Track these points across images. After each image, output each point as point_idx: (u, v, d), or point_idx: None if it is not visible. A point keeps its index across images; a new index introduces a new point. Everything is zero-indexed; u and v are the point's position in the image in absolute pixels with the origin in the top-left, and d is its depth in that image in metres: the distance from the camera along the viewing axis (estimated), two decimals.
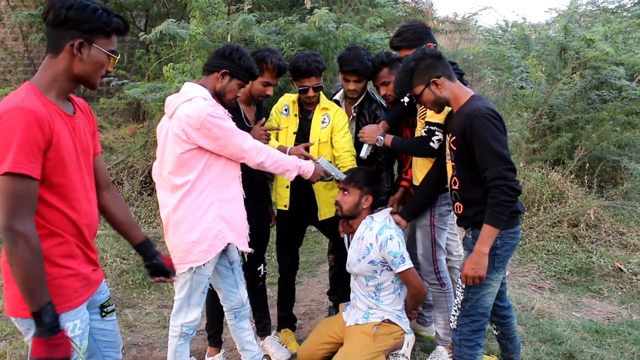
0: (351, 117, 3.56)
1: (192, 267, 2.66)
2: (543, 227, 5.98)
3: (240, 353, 3.17)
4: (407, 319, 3.29)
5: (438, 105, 2.74)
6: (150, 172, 6.98)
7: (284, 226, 3.63)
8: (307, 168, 2.96)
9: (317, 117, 3.41)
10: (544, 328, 3.86)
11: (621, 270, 5.20)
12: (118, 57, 1.94)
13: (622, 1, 12.56)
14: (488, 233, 2.48)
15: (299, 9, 6.50)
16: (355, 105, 3.52)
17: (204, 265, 2.67)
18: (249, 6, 5.71)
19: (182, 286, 2.73)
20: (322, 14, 5.35)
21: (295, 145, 3.32)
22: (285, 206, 3.46)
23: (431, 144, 3.04)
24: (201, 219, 2.64)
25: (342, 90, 3.60)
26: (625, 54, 6.61)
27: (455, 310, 2.73)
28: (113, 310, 2.21)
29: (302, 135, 3.42)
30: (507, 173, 2.42)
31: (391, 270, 3.14)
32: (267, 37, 5.62)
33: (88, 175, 1.99)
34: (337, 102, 3.60)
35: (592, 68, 6.51)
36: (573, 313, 4.38)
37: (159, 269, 2.41)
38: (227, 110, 2.68)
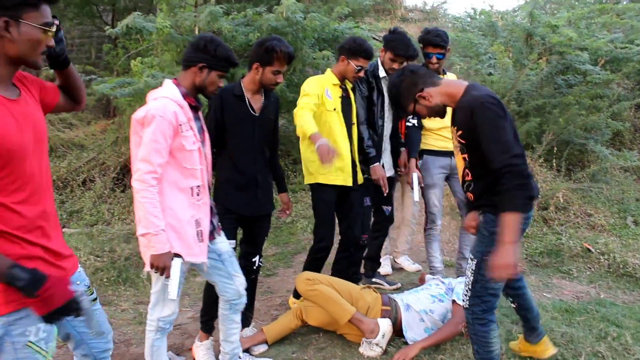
0: None
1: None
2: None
3: (221, 343, 3.13)
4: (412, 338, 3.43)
5: (435, 113, 2.77)
6: (122, 169, 6.92)
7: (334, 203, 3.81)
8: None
9: (351, 93, 3.90)
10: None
11: (589, 250, 5.33)
12: (55, 29, 1.73)
13: None
14: (508, 222, 2.36)
15: (267, 0, 6.47)
16: None
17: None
18: None
19: (157, 279, 2.70)
20: (289, 4, 5.34)
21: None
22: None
23: None
24: None
25: (381, 68, 4.05)
26: (589, 39, 6.74)
27: (467, 290, 2.73)
28: (95, 299, 2.12)
29: (347, 113, 3.80)
30: (513, 160, 2.38)
31: (446, 301, 3.50)
32: (235, 28, 5.59)
33: (45, 163, 1.84)
34: (382, 78, 4.06)
35: (557, 53, 6.62)
36: (544, 294, 4.48)
37: None
38: (191, 115, 2.60)
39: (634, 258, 5.08)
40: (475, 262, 2.66)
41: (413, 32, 13.22)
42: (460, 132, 2.63)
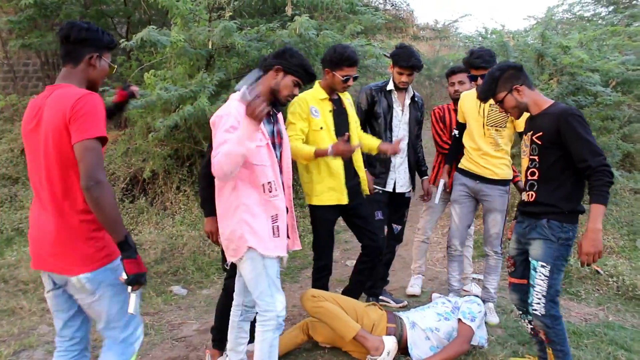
0: (403, 105, 4.22)
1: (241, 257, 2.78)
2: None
3: (229, 353, 3.14)
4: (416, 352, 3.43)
5: (518, 110, 3.10)
6: (131, 180, 6.96)
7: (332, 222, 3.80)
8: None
9: (346, 103, 3.81)
10: (524, 330, 3.90)
11: (598, 272, 5.30)
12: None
13: (598, 9, 12.84)
14: (599, 211, 2.78)
15: (280, 16, 6.52)
16: (411, 95, 4.23)
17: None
18: (230, 13, 5.73)
19: (251, 280, 2.81)
20: (303, 21, 5.38)
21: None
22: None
23: None
24: (229, 220, 2.78)
25: (390, 82, 4.16)
26: (600, 60, 6.74)
27: (541, 297, 3.00)
28: None
29: (341, 124, 3.69)
30: (606, 161, 2.81)
31: (452, 320, 3.52)
32: (248, 44, 5.64)
33: None
34: (389, 91, 4.17)
35: (568, 74, 6.61)
36: None
37: None
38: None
39: None
40: (548, 269, 2.97)
41: (424, 50, 13.34)
42: (539, 134, 2.98)
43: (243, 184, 2.74)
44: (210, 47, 5.61)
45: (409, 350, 3.42)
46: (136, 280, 2.25)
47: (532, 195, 3.07)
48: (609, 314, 4.60)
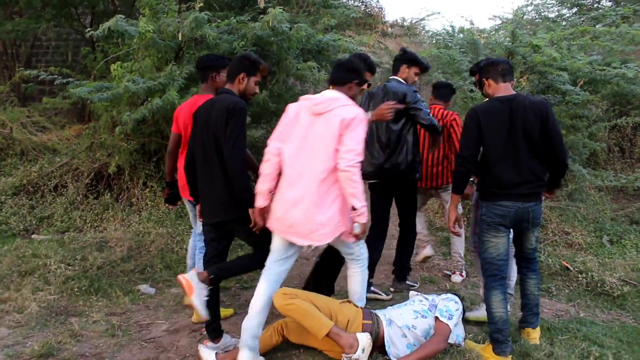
0: None
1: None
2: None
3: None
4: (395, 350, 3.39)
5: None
6: (96, 175, 6.75)
7: None
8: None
9: None
10: None
11: (568, 269, 5.36)
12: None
13: (562, 11, 13.11)
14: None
15: (252, 9, 6.40)
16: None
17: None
18: (201, 4, 5.58)
19: (346, 247, 3.47)
20: (276, 13, 5.27)
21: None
22: None
23: None
24: (330, 206, 3.18)
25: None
26: (569, 60, 6.83)
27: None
28: None
29: None
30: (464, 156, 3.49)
31: (429, 317, 3.50)
32: (219, 36, 5.50)
33: None
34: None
35: (538, 73, 6.68)
36: None
37: None
38: None
39: (610, 277, 5.12)
40: None
41: (392, 47, 13.36)
42: None
43: None
44: (179, 39, 5.45)
45: (386, 348, 3.37)
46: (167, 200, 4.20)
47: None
48: (579, 310, 4.65)
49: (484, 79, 3.61)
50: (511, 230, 3.53)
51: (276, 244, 3.36)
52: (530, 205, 3.44)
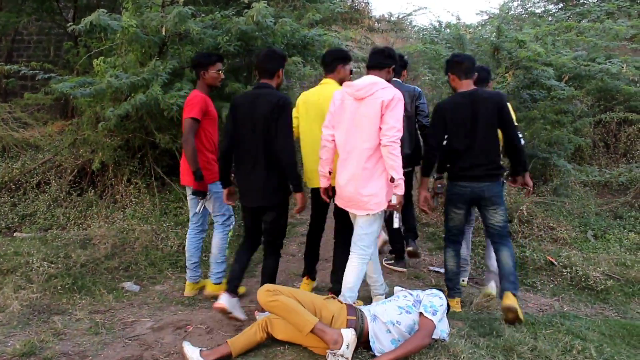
0: None
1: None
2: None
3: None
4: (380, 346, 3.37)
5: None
6: (79, 172, 6.67)
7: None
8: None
9: None
10: (484, 322, 3.91)
11: (552, 263, 5.39)
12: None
13: (548, 6, 13.20)
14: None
15: (236, 3, 6.34)
16: None
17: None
18: None
19: (375, 225, 3.77)
20: (260, 7, 5.22)
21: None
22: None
23: None
24: (378, 178, 3.58)
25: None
26: (554, 55, 6.86)
27: None
28: None
29: None
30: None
31: (413, 313, 3.44)
32: (203, 31, 5.45)
33: None
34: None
35: (523, 68, 6.71)
36: None
37: None
38: None
39: (594, 271, 5.17)
40: None
41: (379, 42, 13.36)
42: None
43: None
44: (163, 33, 5.38)
45: (371, 344, 3.36)
46: (196, 193, 4.22)
47: None
48: (563, 304, 4.69)
49: (449, 73, 4.15)
50: (470, 207, 4.29)
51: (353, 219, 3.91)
52: (485, 185, 4.01)
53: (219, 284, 4.50)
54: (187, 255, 4.63)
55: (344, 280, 3.78)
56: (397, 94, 3.58)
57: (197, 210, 4.46)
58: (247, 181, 3.88)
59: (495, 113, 3.95)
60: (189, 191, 4.47)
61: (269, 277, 4.02)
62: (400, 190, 3.52)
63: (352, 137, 3.65)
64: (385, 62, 3.82)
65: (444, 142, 4.16)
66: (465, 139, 3.99)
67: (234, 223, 4.52)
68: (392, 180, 3.50)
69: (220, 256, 4.49)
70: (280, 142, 3.69)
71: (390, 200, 3.57)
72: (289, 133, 3.75)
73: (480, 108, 3.95)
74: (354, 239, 3.81)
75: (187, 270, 4.66)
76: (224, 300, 3.79)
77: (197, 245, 4.62)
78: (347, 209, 3.81)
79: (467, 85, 4.06)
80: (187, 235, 4.63)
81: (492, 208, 4.05)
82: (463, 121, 3.99)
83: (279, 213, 3.92)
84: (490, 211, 4.07)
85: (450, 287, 4.32)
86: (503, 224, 4.07)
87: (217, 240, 4.47)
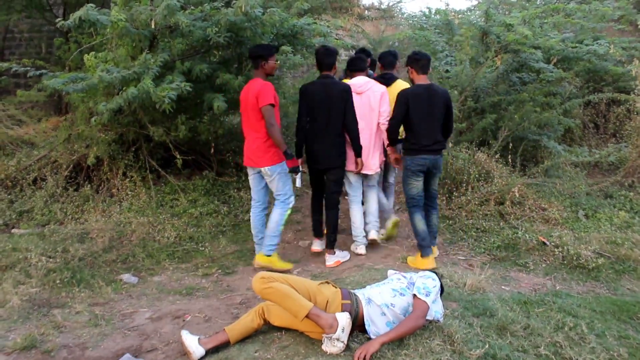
0: None
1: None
2: (471, 206, 6.20)
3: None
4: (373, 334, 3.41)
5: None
6: (75, 167, 6.71)
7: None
8: None
9: None
10: (477, 303, 3.98)
11: (544, 243, 5.46)
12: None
13: None
14: None
15: None
16: None
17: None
18: None
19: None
20: None
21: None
22: None
23: None
24: (379, 148, 5.40)
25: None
26: (542, 38, 6.90)
27: None
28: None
29: None
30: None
31: (407, 295, 3.49)
32: (192, 23, 5.46)
33: None
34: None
35: (512, 51, 6.75)
36: (503, 287, 4.56)
37: None
38: None
39: (586, 250, 5.23)
40: None
41: (370, 30, 13.35)
42: None
43: None
44: (153, 27, 5.40)
45: (366, 327, 3.43)
46: (293, 170, 4.85)
47: None
48: (556, 283, 4.76)
49: (409, 66, 4.96)
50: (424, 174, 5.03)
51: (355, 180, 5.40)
52: (438, 157, 4.99)
53: (270, 255, 4.93)
54: (254, 232, 5.13)
55: (352, 224, 5.41)
56: (384, 88, 5.26)
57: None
58: (319, 149, 5.06)
59: (443, 104, 4.91)
60: (250, 172, 5.01)
61: (333, 227, 5.23)
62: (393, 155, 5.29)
63: (363, 121, 5.16)
64: (364, 65, 5.44)
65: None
66: (424, 121, 4.87)
67: (293, 202, 4.99)
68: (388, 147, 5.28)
69: (276, 230, 4.91)
70: (349, 119, 4.99)
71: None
72: (355, 112, 5.01)
73: (434, 99, 4.86)
74: (354, 192, 5.41)
75: (255, 246, 5.17)
76: (318, 246, 5.38)
77: (262, 222, 5.09)
78: (363, 171, 5.30)
79: (423, 79, 4.94)
80: (251, 214, 5.14)
81: (436, 175, 5.11)
82: (421, 107, 4.84)
83: (339, 171, 5.16)
84: (434, 178, 5.11)
85: (424, 245, 4.94)
86: (436, 187, 5.22)
87: (276, 216, 4.92)
